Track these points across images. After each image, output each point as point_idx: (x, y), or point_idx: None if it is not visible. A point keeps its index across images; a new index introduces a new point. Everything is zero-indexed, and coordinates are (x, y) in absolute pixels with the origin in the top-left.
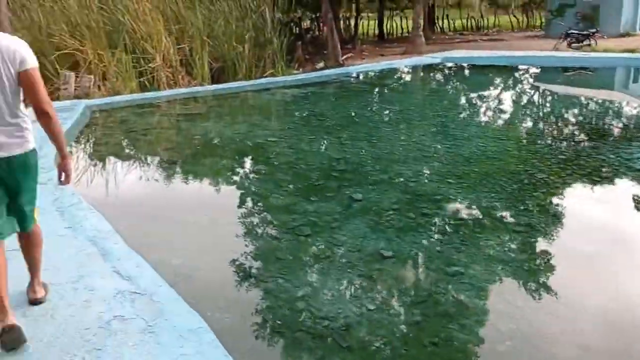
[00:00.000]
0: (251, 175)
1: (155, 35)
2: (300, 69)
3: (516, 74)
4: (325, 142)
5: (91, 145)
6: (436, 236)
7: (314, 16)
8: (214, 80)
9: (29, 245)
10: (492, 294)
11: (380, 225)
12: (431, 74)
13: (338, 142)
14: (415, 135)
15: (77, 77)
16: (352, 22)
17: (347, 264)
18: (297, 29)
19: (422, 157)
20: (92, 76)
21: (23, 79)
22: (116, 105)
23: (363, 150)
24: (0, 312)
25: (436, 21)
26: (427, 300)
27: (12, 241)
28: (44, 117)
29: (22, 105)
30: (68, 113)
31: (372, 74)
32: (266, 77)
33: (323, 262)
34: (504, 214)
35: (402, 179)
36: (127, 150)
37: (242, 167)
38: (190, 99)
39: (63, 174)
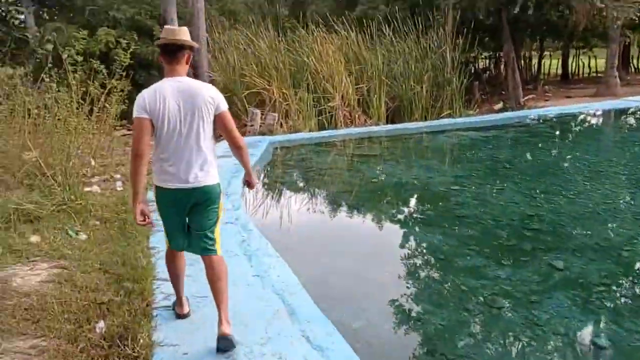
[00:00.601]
0: (433, 228)
1: (337, 75)
2: (478, 110)
3: None
4: (513, 193)
5: (274, 183)
6: None
7: (491, 55)
8: (390, 120)
9: (212, 276)
10: None
11: (590, 304)
12: (630, 120)
13: (529, 194)
14: (622, 191)
15: (262, 114)
16: (534, 61)
17: (553, 352)
18: (473, 68)
19: (634, 219)
20: (276, 114)
21: (218, 120)
22: (296, 142)
23: (560, 207)
24: (179, 305)
25: (631, 60)
26: None
27: None
28: (238, 149)
29: (213, 144)
30: (253, 149)
31: (560, 117)
32: (443, 118)
33: (524, 345)
34: None
35: (611, 246)
36: (307, 191)
37: (423, 217)
38: (366, 138)
39: (247, 184)
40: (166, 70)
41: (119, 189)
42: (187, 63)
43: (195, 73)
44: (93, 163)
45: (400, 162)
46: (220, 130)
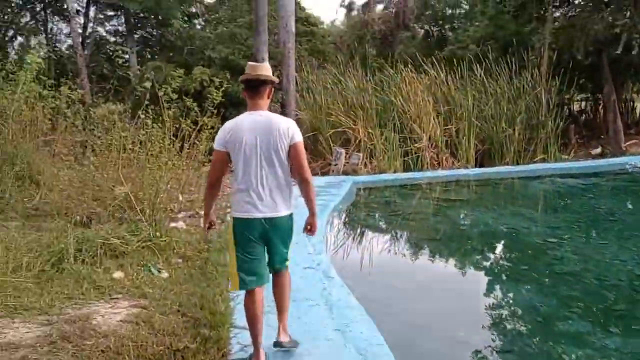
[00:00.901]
0: (529, 285)
1: (425, 115)
2: (574, 155)
3: None
4: (619, 249)
5: (357, 226)
6: None
7: (588, 97)
8: (479, 163)
9: (278, 285)
10: None
11: None
12: None
13: (637, 251)
14: None
15: (347, 153)
16: (637, 104)
17: None
18: (568, 110)
19: None
20: (360, 153)
21: (292, 151)
22: (381, 183)
23: None
24: (256, 356)
25: None
26: None
27: None
28: (305, 183)
29: (289, 176)
30: (336, 189)
31: None
32: (536, 162)
33: None
34: None
35: None
36: (391, 237)
37: (517, 272)
38: (454, 182)
39: (309, 227)
40: (249, 105)
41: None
42: (268, 97)
43: (283, 111)
44: (180, 198)
45: (491, 208)
46: (291, 161)
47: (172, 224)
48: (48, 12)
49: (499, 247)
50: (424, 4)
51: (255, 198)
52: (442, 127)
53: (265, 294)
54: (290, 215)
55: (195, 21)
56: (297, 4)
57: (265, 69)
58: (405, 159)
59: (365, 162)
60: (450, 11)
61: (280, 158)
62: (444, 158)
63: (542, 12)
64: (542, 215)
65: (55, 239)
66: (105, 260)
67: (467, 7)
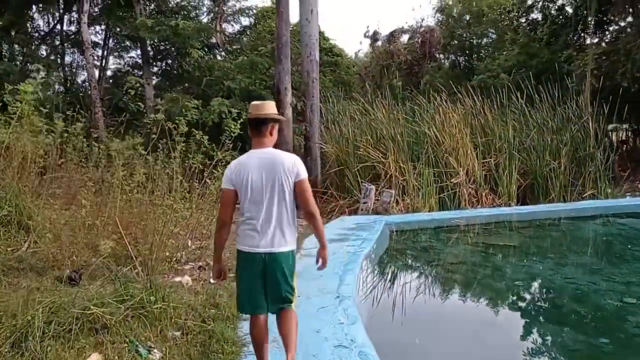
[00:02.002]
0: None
1: (461, 148)
2: (622, 189)
3: None
4: None
5: (394, 280)
6: None
7: (632, 126)
8: (521, 200)
9: (283, 323)
10: None
11: None
12: None
13: None
14: None
15: (376, 190)
16: None
17: None
18: (609, 140)
19: None
20: (393, 190)
21: (297, 187)
22: (416, 224)
23: None
24: None
25: None
26: None
27: None
28: (311, 217)
29: (293, 212)
30: (368, 233)
31: None
32: (585, 199)
33: None
34: None
35: None
36: (436, 295)
37: (594, 344)
38: (497, 222)
39: (321, 260)
40: (253, 143)
41: (212, 281)
42: (271, 134)
43: (306, 144)
44: (190, 244)
45: (547, 257)
46: (297, 197)
47: (177, 278)
48: (66, 44)
49: (565, 310)
50: (450, 34)
51: (259, 234)
52: (480, 160)
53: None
54: (292, 251)
55: (216, 52)
56: (321, 35)
57: (268, 107)
58: (441, 195)
59: (396, 200)
60: (477, 41)
61: (285, 195)
62: (484, 194)
63: (575, 38)
64: (609, 266)
65: (24, 308)
66: (81, 337)
67: (494, 35)
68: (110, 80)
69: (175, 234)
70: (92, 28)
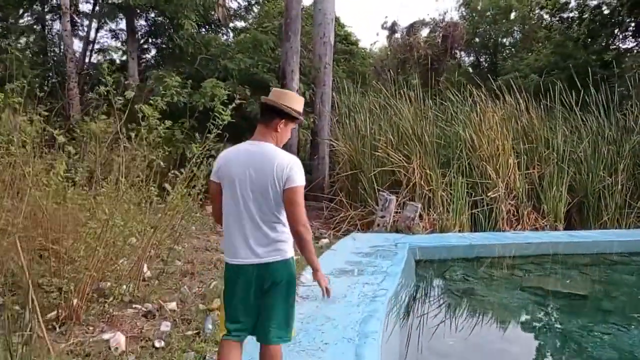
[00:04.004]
0: None
1: (502, 155)
2: None
3: None
4: None
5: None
6: None
7: None
8: (567, 221)
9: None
10: None
11: None
12: None
13: None
14: None
15: (397, 201)
16: None
17: None
18: None
19: None
20: (419, 204)
21: (285, 196)
22: (448, 251)
23: None
24: None
25: None
26: None
27: None
28: (296, 235)
29: (283, 217)
30: (389, 262)
31: None
32: None
33: None
34: None
35: None
36: None
37: None
38: (549, 254)
39: (321, 290)
40: (255, 131)
41: (158, 345)
42: (276, 130)
43: (314, 140)
44: (146, 270)
45: (633, 318)
46: (285, 208)
47: (105, 335)
48: (46, 10)
49: None
50: (473, 30)
51: (239, 240)
52: (524, 171)
53: None
54: (286, 261)
55: (218, 30)
56: (336, 20)
57: (287, 98)
58: (474, 211)
59: (420, 214)
60: (502, 40)
61: (269, 198)
62: (526, 213)
63: (612, 40)
64: None
65: None
66: None
67: (519, 35)
68: (97, 55)
69: (121, 252)
70: None
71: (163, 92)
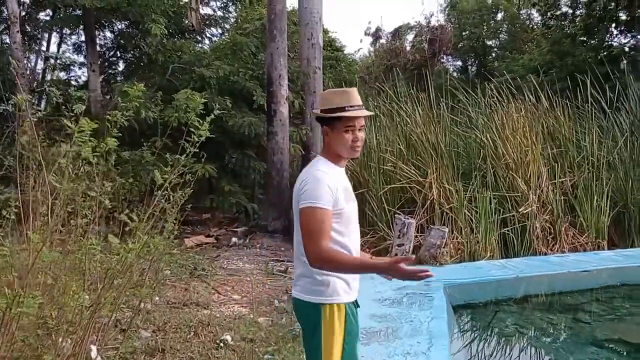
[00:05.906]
0: None
1: (532, 163)
2: None
3: None
4: None
5: None
6: None
7: None
8: (610, 236)
9: None
10: None
11: None
12: None
13: None
14: None
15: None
16: None
17: None
18: None
19: None
20: (446, 229)
21: (299, 217)
22: (492, 288)
23: None
24: None
25: None
26: None
27: None
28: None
29: None
30: (426, 313)
31: None
32: None
33: None
34: None
35: None
36: None
37: None
38: (610, 286)
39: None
40: None
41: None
42: (323, 139)
43: (305, 155)
44: (94, 355)
45: None
46: None
47: None
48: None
49: None
50: (460, 33)
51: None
52: (556, 180)
53: None
54: (316, 306)
55: (190, 37)
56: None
57: (319, 102)
58: (504, 230)
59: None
60: (490, 41)
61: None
62: (563, 229)
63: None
64: None
65: None
66: None
67: (506, 36)
68: (59, 72)
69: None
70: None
71: (124, 104)
